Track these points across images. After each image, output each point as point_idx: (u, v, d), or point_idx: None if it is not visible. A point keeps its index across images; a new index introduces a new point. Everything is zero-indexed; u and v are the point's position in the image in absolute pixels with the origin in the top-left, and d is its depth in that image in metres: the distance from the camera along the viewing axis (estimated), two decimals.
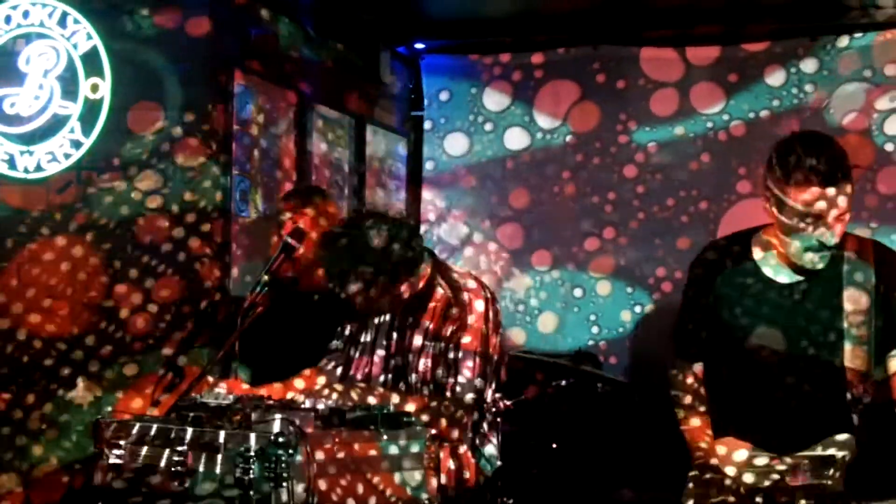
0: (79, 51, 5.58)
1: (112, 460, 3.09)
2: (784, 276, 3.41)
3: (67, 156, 5.56)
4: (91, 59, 5.56)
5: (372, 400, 3.57)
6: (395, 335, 3.85)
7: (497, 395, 4.96)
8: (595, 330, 7.08)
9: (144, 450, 3.05)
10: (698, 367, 3.57)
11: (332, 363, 3.99)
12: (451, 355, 3.72)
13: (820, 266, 3.33)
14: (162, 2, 5.52)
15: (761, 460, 3.45)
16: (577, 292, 7.10)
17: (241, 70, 5.71)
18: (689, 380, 3.56)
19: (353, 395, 3.58)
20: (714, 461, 3.44)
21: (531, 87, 7.26)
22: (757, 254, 3.47)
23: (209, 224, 5.45)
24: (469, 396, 3.71)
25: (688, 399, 3.54)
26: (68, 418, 5.46)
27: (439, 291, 3.82)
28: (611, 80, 7.11)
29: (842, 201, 3.23)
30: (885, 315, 3.37)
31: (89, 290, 5.50)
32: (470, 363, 3.72)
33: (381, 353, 3.87)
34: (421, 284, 3.83)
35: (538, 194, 7.21)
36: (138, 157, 5.50)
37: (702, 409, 3.53)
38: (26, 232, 5.58)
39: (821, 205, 3.21)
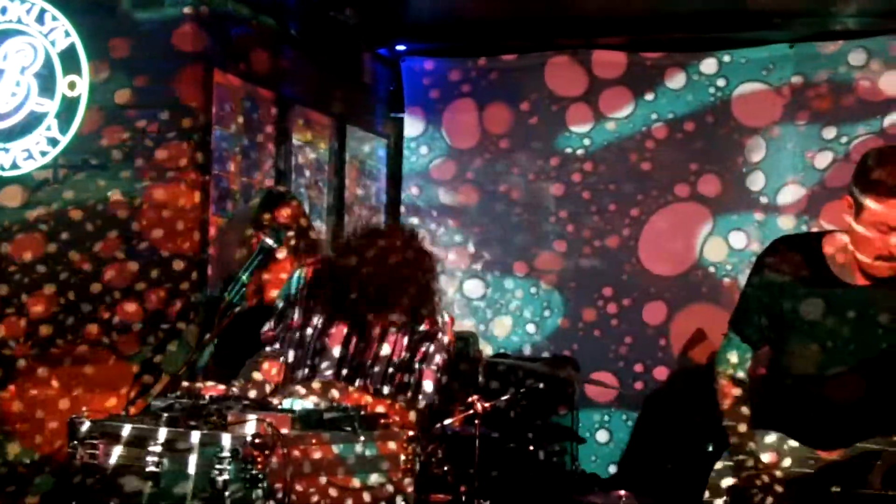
0: (56, 48, 5.54)
1: (86, 460, 3.06)
2: (851, 278, 3.49)
3: (44, 153, 5.53)
4: (69, 57, 5.53)
5: (335, 394, 3.55)
6: (354, 337, 3.84)
7: (475, 397, 4.98)
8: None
9: (118, 450, 3.03)
10: (750, 353, 3.63)
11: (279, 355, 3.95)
12: (421, 353, 3.75)
13: (887, 274, 3.41)
14: (142, 0, 5.49)
15: (801, 452, 3.52)
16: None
17: (222, 69, 5.68)
18: (741, 365, 3.62)
19: (315, 392, 3.56)
20: (751, 447, 3.51)
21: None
22: (828, 252, 3.53)
23: (187, 223, 5.41)
24: (431, 387, 3.74)
25: (733, 384, 3.61)
26: (42, 416, 5.43)
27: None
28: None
29: None
30: None
31: (65, 290, 5.46)
32: (433, 370, 3.75)
33: (336, 353, 3.85)
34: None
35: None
36: (115, 155, 5.46)
37: (743, 394, 3.58)
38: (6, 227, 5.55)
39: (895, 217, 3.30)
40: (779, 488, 3.42)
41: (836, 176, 6.56)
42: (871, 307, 3.46)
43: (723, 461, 3.58)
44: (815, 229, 6.50)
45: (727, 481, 3.51)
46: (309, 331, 3.86)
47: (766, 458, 3.52)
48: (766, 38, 6.80)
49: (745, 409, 3.56)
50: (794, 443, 3.54)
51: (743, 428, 3.53)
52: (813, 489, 3.43)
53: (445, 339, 3.82)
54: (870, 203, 3.32)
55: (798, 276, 3.53)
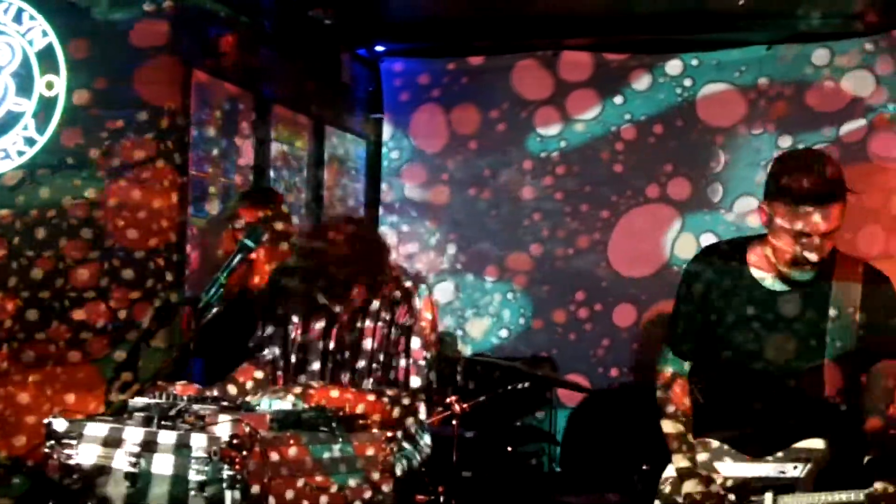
0: (34, 48, 5.52)
1: (63, 460, 3.05)
2: (773, 283, 3.51)
3: (21, 153, 5.50)
4: (46, 56, 5.51)
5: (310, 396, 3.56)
6: (336, 329, 3.87)
7: (453, 398, 4.99)
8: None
9: (95, 450, 3.02)
10: (686, 366, 3.66)
11: (267, 362, 3.97)
12: (403, 345, 3.77)
13: (806, 278, 3.44)
14: (120, 0, 5.48)
15: (737, 460, 3.54)
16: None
17: (200, 70, 5.68)
18: (677, 379, 3.65)
19: (292, 394, 3.56)
20: (696, 454, 3.53)
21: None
22: (752, 259, 3.55)
23: (165, 224, 5.40)
24: (418, 382, 3.75)
25: (671, 398, 3.63)
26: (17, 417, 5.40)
27: (391, 290, 3.87)
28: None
29: (831, 222, 3.30)
30: (867, 334, 3.47)
31: (41, 290, 5.44)
32: (422, 351, 3.77)
33: (320, 347, 3.88)
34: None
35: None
36: (93, 155, 5.45)
37: (684, 409, 3.61)
38: None
39: (809, 224, 3.30)
40: (730, 497, 3.45)
41: None
42: (792, 312, 3.48)
43: (671, 470, 3.59)
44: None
45: (679, 488, 3.52)
46: (290, 330, 3.91)
47: (704, 461, 3.53)
48: (732, 40, 6.86)
49: (686, 418, 3.59)
50: (732, 451, 3.55)
51: (685, 434, 3.56)
52: (749, 493, 3.45)
53: (425, 324, 3.82)
54: (779, 210, 3.34)
55: (722, 284, 3.57)
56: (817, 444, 3.47)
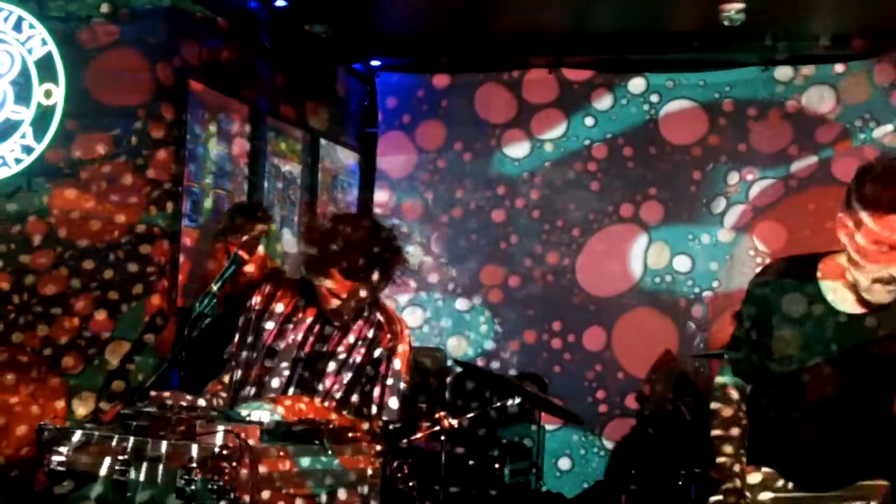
0: (33, 56, 5.55)
1: (53, 467, 3.06)
2: (848, 306, 3.23)
3: (18, 161, 5.52)
4: (45, 65, 5.53)
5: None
6: (311, 339, 3.84)
7: (442, 413, 4.99)
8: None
9: (86, 458, 3.03)
10: (744, 387, 3.38)
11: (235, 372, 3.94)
12: (380, 379, 3.76)
13: (887, 300, 3.15)
14: (118, 10, 5.50)
15: (791, 495, 3.32)
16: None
17: (196, 81, 5.70)
18: (734, 399, 3.36)
19: (282, 406, 3.55)
20: (743, 489, 3.28)
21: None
22: (822, 278, 3.27)
23: (158, 233, 5.42)
24: (392, 419, 3.74)
25: (727, 420, 3.33)
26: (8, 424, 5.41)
27: (373, 312, 3.86)
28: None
29: None
30: None
31: (34, 298, 5.45)
32: (398, 387, 3.77)
33: (288, 362, 3.84)
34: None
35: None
36: (89, 164, 5.47)
37: (738, 432, 3.33)
38: None
39: None
40: None
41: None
42: (866, 336, 3.21)
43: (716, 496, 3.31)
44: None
45: None
46: (265, 334, 3.87)
47: (761, 496, 3.31)
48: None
49: (735, 432, 3.31)
50: (786, 485, 3.32)
51: (729, 449, 3.29)
52: None
53: (401, 349, 3.82)
54: (863, 222, 3.07)
55: (790, 303, 3.28)
56: (881, 484, 3.23)
